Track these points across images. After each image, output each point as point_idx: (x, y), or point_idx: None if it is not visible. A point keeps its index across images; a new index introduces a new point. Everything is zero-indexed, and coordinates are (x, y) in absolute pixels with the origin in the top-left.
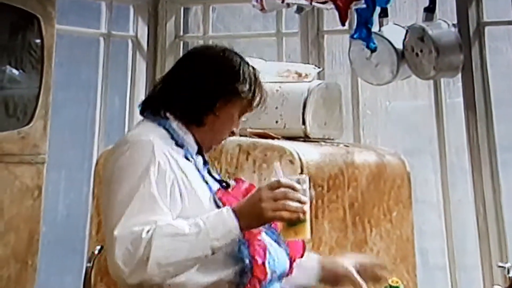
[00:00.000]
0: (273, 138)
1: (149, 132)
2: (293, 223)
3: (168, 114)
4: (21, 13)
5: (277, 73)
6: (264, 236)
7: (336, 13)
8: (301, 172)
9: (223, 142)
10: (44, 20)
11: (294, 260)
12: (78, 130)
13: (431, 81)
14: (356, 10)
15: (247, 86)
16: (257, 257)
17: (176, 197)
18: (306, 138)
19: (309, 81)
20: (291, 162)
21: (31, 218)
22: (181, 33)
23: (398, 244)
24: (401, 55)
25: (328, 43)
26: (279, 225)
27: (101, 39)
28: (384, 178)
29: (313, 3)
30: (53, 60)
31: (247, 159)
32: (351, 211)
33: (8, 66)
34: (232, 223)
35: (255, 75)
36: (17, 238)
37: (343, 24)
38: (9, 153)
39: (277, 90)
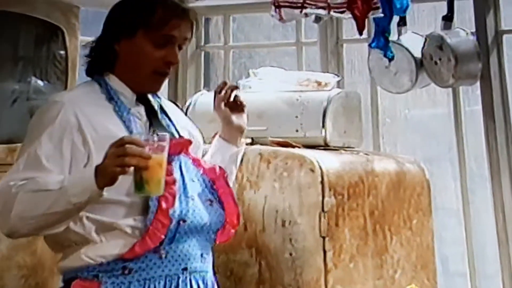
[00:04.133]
0: (293, 146)
1: (74, 91)
2: (139, 179)
3: (104, 71)
4: (46, 25)
5: (297, 82)
6: (194, 194)
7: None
8: (322, 181)
9: (157, 77)
10: (68, 32)
11: (228, 223)
12: None
13: (450, 89)
14: (374, 19)
15: (133, 18)
16: (162, 203)
17: (77, 157)
18: (326, 147)
19: (329, 90)
20: (312, 170)
21: None
22: (202, 43)
23: (419, 251)
24: (419, 64)
25: (347, 52)
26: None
27: None
28: (404, 186)
29: (331, 13)
30: (77, 71)
31: (268, 167)
32: (371, 219)
33: (33, 77)
34: (88, 180)
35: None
36: (44, 246)
37: (361, 34)
38: None
39: (297, 99)
